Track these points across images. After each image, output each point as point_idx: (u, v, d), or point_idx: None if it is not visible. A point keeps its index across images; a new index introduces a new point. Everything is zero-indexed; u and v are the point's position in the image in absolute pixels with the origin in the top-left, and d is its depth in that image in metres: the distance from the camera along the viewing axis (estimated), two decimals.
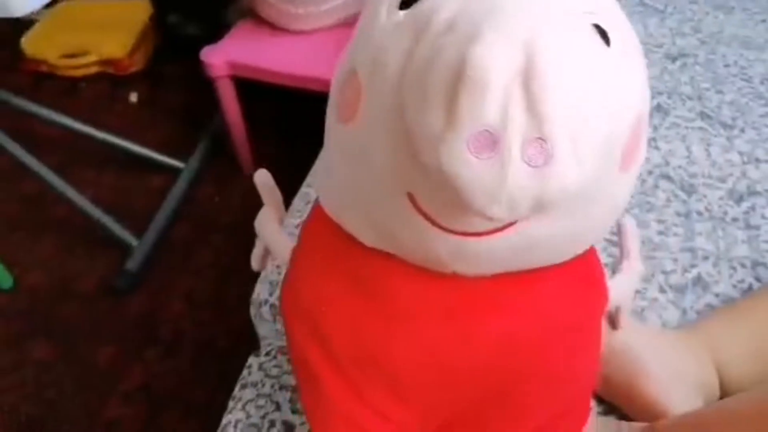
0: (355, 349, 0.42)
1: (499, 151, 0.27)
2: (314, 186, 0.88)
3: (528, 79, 0.27)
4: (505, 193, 0.28)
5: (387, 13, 0.35)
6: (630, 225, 0.52)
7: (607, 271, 0.47)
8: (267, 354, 0.72)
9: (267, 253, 0.56)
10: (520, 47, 0.27)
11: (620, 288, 0.49)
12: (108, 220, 1.51)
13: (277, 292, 0.79)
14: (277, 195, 0.54)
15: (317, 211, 0.45)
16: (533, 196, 0.28)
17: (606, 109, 0.29)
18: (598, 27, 0.31)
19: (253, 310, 0.80)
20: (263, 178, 0.54)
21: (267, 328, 0.78)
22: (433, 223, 0.34)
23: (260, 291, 0.81)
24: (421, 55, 0.30)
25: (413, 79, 0.30)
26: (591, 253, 0.44)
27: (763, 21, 1.08)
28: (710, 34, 1.05)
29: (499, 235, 0.34)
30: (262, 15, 1.48)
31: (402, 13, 0.34)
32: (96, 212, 1.51)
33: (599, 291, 0.47)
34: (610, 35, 0.31)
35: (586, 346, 0.46)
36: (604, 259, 0.65)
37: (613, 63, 0.30)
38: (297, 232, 0.83)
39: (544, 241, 0.35)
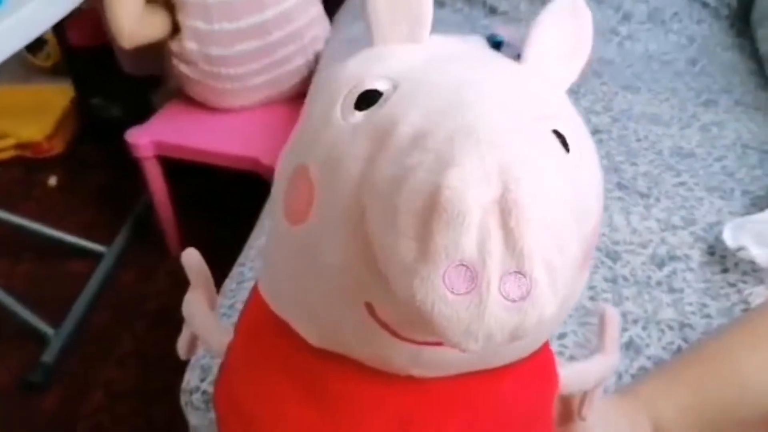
0: None
1: (477, 287, 0.26)
2: (255, 272, 0.86)
3: (505, 212, 0.26)
4: (482, 329, 0.26)
5: (342, 111, 0.33)
6: (612, 314, 0.50)
7: (574, 358, 0.47)
8: None
9: (195, 339, 0.51)
10: (495, 176, 0.26)
11: (591, 375, 0.48)
12: (23, 311, 1.42)
13: (210, 378, 0.75)
14: (207, 276, 0.49)
15: (256, 297, 0.42)
16: (510, 329, 0.27)
17: (577, 225, 0.29)
18: (557, 133, 0.31)
19: (183, 399, 0.76)
20: (191, 258, 0.49)
21: (199, 416, 0.74)
22: (393, 333, 0.32)
23: (190, 378, 0.77)
24: (385, 172, 0.29)
25: (379, 197, 0.28)
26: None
27: (667, 99, 1.16)
28: (621, 112, 1.12)
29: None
30: (190, 93, 1.48)
31: (359, 114, 0.32)
32: (9, 302, 1.42)
33: (552, 378, 0.46)
34: (568, 140, 0.31)
35: None
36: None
37: (574, 172, 0.30)
38: (230, 314, 0.81)
39: (506, 347, 0.33)
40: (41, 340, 1.40)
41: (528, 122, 0.30)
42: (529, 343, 0.37)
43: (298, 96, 1.46)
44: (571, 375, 0.47)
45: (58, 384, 1.36)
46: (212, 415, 0.72)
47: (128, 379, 1.37)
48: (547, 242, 0.26)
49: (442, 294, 0.26)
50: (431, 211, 0.26)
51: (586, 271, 0.36)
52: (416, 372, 0.36)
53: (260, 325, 0.42)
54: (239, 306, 0.82)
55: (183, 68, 1.40)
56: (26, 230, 1.63)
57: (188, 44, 1.35)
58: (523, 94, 0.33)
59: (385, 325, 0.32)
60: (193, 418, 0.74)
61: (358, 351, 0.36)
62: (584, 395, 0.50)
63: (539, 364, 0.43)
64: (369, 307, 0.32)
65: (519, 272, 0.26)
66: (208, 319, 0.48)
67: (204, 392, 0.74)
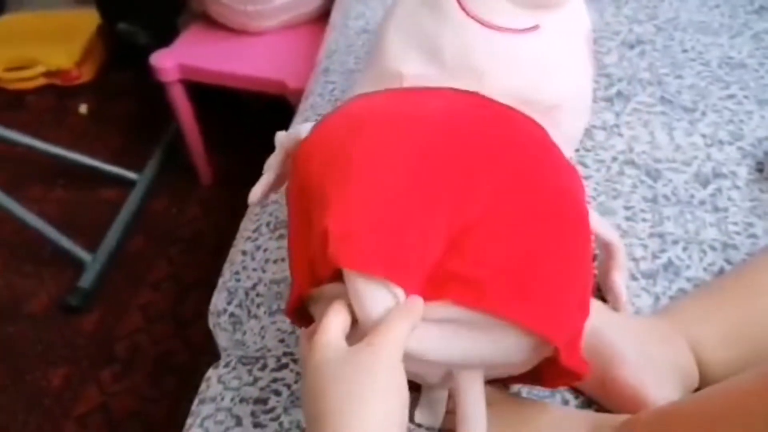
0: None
1: None
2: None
3: None
4: None
5: None
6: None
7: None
8: (226, 365, 0.68)
9: (272, 186, 0.57)
10: None
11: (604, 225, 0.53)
12: (58, 237, 1.44)
13: (235, 301, 0.75)
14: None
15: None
16: None
17: None
18: None
19: (211, 321, 0.76)
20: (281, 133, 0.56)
21: (226, 338, 0.74)
22: (475, 18, 0.47)
23: (218, 300, 0.76)
24: None
25: None
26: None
27: (717, 6, 1.07)
28: (666, 21, 1.04)
29: (527, 34, 0.48)
30: (213, 16, 1.44)
31: None
32: (46, 229, 1.44)
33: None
34: None
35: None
36: None
37: None
38: (254, 237, 0.80)
39: (545, 62, 0.51)
40: (78, 265, 1.43)
41: None
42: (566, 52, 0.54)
43: (321, 17, 1.40)
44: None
45: (96, 307, 1.40)
46: (239, 335, 0.73)
47: (164, 302, 1.40)
48: None
49: None
50: None
51: None
52: (489, 69, 0.49)
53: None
54: (264, 230, 0.81)
55: None
56: (59, 157, 1.63)
57: None
58: None
59: (471, 14, 0.49)
60: (221, 340, 0.74)
61: (448, 47, 0.50)
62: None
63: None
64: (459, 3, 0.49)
65: None
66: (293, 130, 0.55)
67: (231, 314, 0.74)
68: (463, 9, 0.50)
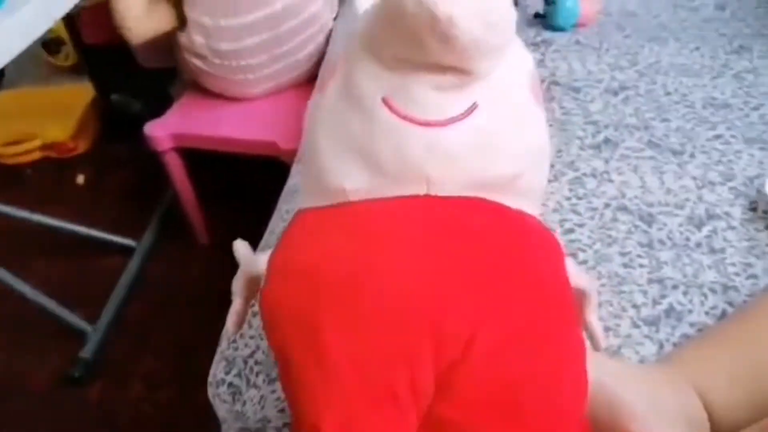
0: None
1: None
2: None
3: None
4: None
5: None
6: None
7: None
8: None
9: (243, 312, 0.54)
10: None
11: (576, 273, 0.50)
12: (60, 310, 1.44)
13: (234, 371, 0.74)
14: (251, 260, 0.53)
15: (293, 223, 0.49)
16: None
17: None
18: None
19: (211, 392, 0.75)
20: (239, 247, 0.54)
21: (226, 409, 0.73)
22: (405, 118, 0.44)
23: (216, 370, 0.76)
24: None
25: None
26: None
27: (697, 48, 1.10)
28: (648, 66, 1.06)
29: (459, 123, 0.44)
30: (203, 85, 1.46)
31: None
32: (47, 303, 1.44)
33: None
34: None
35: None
36: None
37: None
38: None
39: (498, 140, 0.46)
40: (79, 337, 1.42)
41: None
42: (511, 141, 0.47)
43: (311, 79, 1.43)
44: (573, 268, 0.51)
45: (99, 377, 1.39)
46: (238, 406, 0.71)
47: (166, 368, 1.38)
48: None
49: None
50: None
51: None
52: (432, 169, 0.45)
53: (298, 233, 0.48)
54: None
55: (194, 61, 1.38)
56: (58, 230, 1.65)
57: (196, 38, 1.33)
58: None
59: (400, 114, 0.44)
60: (221, 411, 0.73)
61: (385, 154, 0.45)
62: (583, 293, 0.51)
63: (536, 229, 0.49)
64: (385, 102, 0.44)
65: None
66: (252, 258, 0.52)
67: (230, 384, 0.73)
68: (390, 108, 0.44)
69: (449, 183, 0.45)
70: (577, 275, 0.50)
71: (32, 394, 1.36)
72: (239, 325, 0.55)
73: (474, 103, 0.46)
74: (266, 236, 0.94)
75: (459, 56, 0.43)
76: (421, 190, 0.45)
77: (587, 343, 0.53)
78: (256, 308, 0.79)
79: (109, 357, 1.42)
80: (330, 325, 0.41)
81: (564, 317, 0.46)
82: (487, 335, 0.41)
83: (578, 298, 0.52)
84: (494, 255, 0.44)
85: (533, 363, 0.42)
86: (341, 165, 0.46)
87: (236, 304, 0.54)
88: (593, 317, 0.53)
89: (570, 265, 0.49)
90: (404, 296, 0.41)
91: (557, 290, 0.46)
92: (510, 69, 0.48)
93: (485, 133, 0.46)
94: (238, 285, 0.53)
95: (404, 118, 0.44)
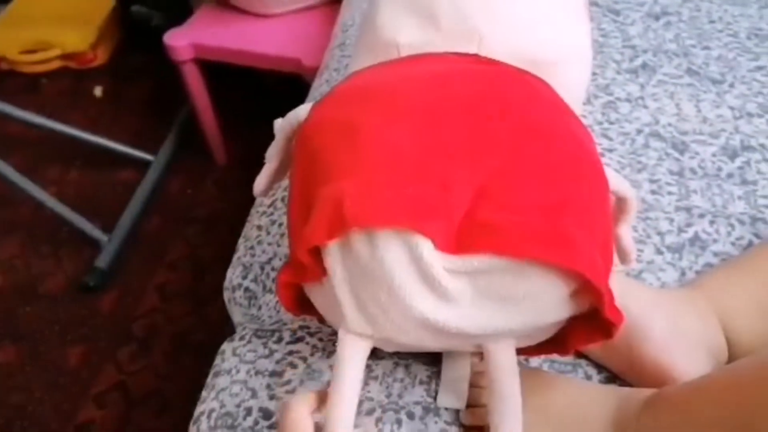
0: None
1: None
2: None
3: None
4: None
5: None
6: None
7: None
8: (241, 339, 0.67)
9: (276, 176, 0.55)
10: None
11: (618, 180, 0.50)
12: (75, 218, 1.45)
13: (251, 275, 0.74)
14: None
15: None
16: None
17: None
18: None
19: (226, 296, 0.75)
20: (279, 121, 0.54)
21: (241, 312, 0.73)
22: None
23: (233, 275, 0.76)
24: None
25: None
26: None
27: None
28: None
29: None
30: None
31: None
32: (63, 210, 1.44)
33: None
34: None
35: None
36: None
37: None
38: (269, 212, 0.79)
39: (547, 18, 0.50)
40: (95, 246, 1.43)
41: None
42: None
43: (334, 1, 1.38)
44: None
45: (114, 287, 1.40)
46: (254, 310, 0.72)
47: (181, 281, 1.39)
48: None
49: None
50: None
51: None
52: (487, 31, 0.48)
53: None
54: (279, 204, 0.80)
55: None
56: (75, 139, 1.63)
57: None
58: None
59: None
60: (236, 315, 0.74)
61: (442, 11, 0.49)
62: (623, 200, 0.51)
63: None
64: None
65: None
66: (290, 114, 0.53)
67: (246, 288, 0.73)
68: None
69: (500, 47, 0.48)
70: (618, 181, 0.49)
71: (47, 300, 1.38)
72: (268, 187, 0.56)
73: None
74: None
75: None
76: (472, 49, 0.48)
77: (615, 258, 0.52)
78: (275, 216, 0.79)
79: (123, 268, 1.43)
80: (370, 123, 0.42)
81: (597, 173, 0.46)
82: (527, 154, 0.42)
83: (618, 206, 0.51)
84: (538, 107, 0.46)
85: (572, 188, 0.43)
86: (398, 19, 0.50)
87: (269, 165, 0.55)
88: (625, 229, 0.52)
89: (610, 171, 0.48)
90: (448, 110, 0.43)
91: (593, 156, 0.46)
92: None
93: (540, 9, 0.50)
94: (275, 148, 0.54)
95: None
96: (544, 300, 0.42)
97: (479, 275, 0.41)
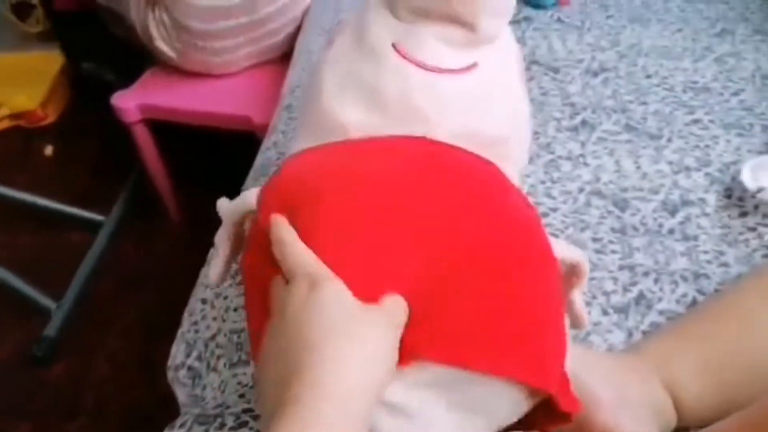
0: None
1: None
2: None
3: None
4: None
5: None
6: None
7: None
8: (182, 426, 0.64)
9: (228, 263, 0.55)
10: None
11: (568, 248, 0.51)
12: (23, 286, 1.40)
13: (195, 353, 0.72)
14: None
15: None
16: None
17: None
18: None
19: (170, 375, 0.73)
20: (222, 203, 0.54)
21: (185, 393, 0.70)
22: (413, 62, 0.48)
23: (177, 353, 0.73)
24: None
25: None
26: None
27: (680, 30, 1.08)
28: (629, 47, 1.04)
29: (464, 74, 0.49)
30: (171, 63, 1.40)
31: None
32: (10, 278, 1.40)
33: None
34: None
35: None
36: None
37: None
38: None
39: (491, 100, 0.51)
40: (44, 313, 1.39)
41: None
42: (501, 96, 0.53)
43: (285, 57, 1.39)
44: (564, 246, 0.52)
45: (63, 356, 1.35)
46: (198, 391, 0.69)
47: (132, 348, 1.35)
48: None
49: None
50: None
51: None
52: (432, 113, 0.49)
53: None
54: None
55: (162, 40, 1.33)
56: (24, 203, 1.60)
57: (168, 15, 1.27)
58: None
59: (408, 58, 0.48)
60: (180, 395, 0.71)
61: (390, 94, 0.49)
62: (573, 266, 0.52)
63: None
64: (395, 47, 0.49)
65: None
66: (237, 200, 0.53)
67: (189, 368, 0.71)
68: (400, 53, 0.49)
69: (445, 129, 0.49)
70: (569, 249, 0.50)
71: None
72: (223, 275, 0.56)
73: (475, 62, 0.51)
74: None
75: (471, 8, 0.48)
76: (420, 132, 0.49)
77: (567, 323, 0.52)
78: (220, 289, 0.77)
79: (73, 335, 1.39)
80: (325, 228, 0.43)
81: (546, 262, 0.47)
82: (469, 256, 0.43)
83: (568, 273, 0.51)
84: (485, 198, 0.47)
85: (518, 288, 0.43)
86: (345, 102, 0.50)
87: (221, 252, 0.54)
88: (577, 295, 0.52)
89: (557, 241, 0.48)
90: (399, 213, 0.44)
91: (541, 241, 0.47)
92: (507, 44, 0.55)
93: (481, 90, 0.51)
94: (223, 234, 0.54)
95: (411, 61, 0.48)
96: (498, 403, 0.43)
97: (432, 386, 0.41)
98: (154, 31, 1.32)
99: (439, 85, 0.50)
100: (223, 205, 0.54)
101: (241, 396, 0.66)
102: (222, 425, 0.62)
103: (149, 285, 1.48)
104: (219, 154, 1.60)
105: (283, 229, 0.44)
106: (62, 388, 1.29)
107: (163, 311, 1.39)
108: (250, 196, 0.50)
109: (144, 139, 1.43)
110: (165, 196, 1.58)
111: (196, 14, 1.26)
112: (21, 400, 1.28)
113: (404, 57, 0.49)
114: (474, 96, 0.51)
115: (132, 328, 1.39)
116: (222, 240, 0.54)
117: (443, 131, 0.49)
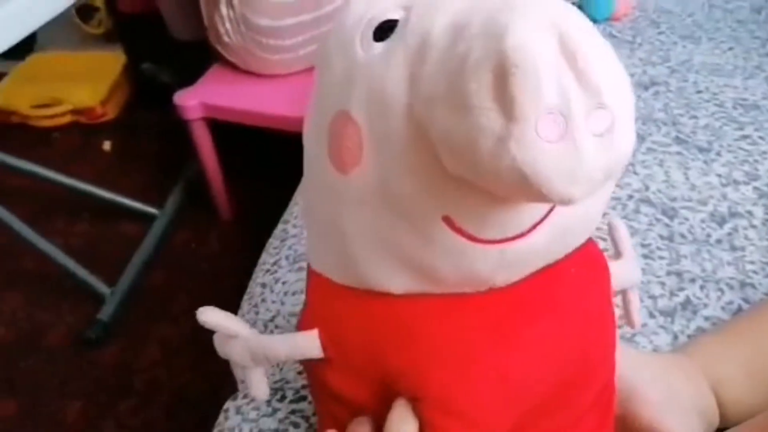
0: None
1: (569, 130, 0.27)
2: (299, 230, 0.85)
3: (569, 57, 0.27)
4: (582, 171, 0.28)
5: (363, 47, 0.34)
6: (620, 223, 0.53)
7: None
8: (244, 397, 0.68)
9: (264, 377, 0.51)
10: (550, 29, 0.27)
11: (624, 269, 0.50)
12: (79, 270, 1.47)
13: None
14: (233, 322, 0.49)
15: (314, 282, 0.44)
16: (605, 166, 0.28)
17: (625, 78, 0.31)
18: None
19: None
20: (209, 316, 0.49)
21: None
22: (475, 239, 0.34)
23: None
24: (437, 75, 0.30)
25: (441, 97, 0.29)
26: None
27: (731, 49, 1.09)
28: (680, 63, 1.06)
29: (538, 228, 0.35)
30: (234, 61, 1.47)
31: (382, 44, 0.33)
32: (67, 262, 1.47)
33: (604, 268, 0.47)
34: None
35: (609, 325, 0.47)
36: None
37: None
38: (273, 270, 0.81)
39: (574, 224, 0.37)
40: (98, 299, 1.45)
41: None
42: (589, 219, 0.39)
43: None
44: (619, 269, 0.49)
45: (115, 340, 1.41)
46: None
47: (183, 335, 1.40)
48: (611, 73, 0.28)
49: (540, 146, 0.27)
50: (504, 75, 0.27)
51: None
52: (500, 278, 0.38)
53: (328, 302, 0.42)
54: (283, 263, 0.82)
55: (228, 36, 1.39)
56: (82, 192, 1.67)
57: (236, 11, 1.33)
58: None
59: (467, 235, 0.34)
60: (239, 373, 0.75)
61: (445, 271, 0.37)
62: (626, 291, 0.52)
63: (587, 255, 0.44)
64: (447, 221, 0.34)
65: (600, 106, 0.27)
66: (260, 338, 0.48)
67: None
68: (453, 228, 0.34)
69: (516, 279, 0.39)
70: (625, 278, 0.50)
71: (47, 352, 1.39)
72: (266, 387, 0.52)
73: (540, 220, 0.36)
74: (289, 207, 0.95)
75: None
76: (482, 289, 0.39)
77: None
78: (279, 275, 0.81)
79: (126, 321, 1.45)
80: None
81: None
82: None
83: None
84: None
85: None
86: (386, 270, 0.38)
87: (257, 369, 0.50)
88: (635, 296, 0.54)
89: (621, 271, 0.49)
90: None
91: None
92: None
93: (562, 220, 0.37)
94: (245, 356, 0.49)
95: (472, 239, 0.34)
96: None
97: None
98: (221, 28, 1.38)
99: (513, 252, 0.36)
100: (222, 320, 0.49)
101: (299, 373, 0.69)
102: (283, 397, 0.66)
103: (200, 277, 1.54)
104: (272, 153, 1.66)
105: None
106: (113, 371, 1.35)
107: (212, 302, 1.44)
108: (302, 342, 0.43)
109: (202, 136, 1.49)
110: (218, 194, 1.64)
111: (264, 10, 1.31)
112: (73, 379, 1.34)
113: (462, 233, 0.35)
114: (555, 234, 0.37)
115: (183, 316, 1.44)
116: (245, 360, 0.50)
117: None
